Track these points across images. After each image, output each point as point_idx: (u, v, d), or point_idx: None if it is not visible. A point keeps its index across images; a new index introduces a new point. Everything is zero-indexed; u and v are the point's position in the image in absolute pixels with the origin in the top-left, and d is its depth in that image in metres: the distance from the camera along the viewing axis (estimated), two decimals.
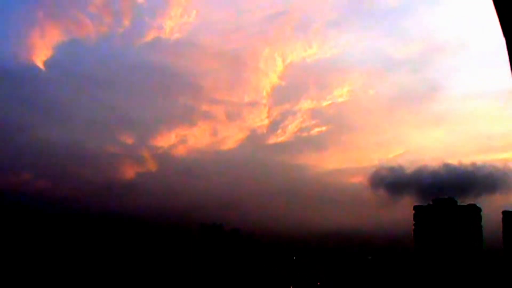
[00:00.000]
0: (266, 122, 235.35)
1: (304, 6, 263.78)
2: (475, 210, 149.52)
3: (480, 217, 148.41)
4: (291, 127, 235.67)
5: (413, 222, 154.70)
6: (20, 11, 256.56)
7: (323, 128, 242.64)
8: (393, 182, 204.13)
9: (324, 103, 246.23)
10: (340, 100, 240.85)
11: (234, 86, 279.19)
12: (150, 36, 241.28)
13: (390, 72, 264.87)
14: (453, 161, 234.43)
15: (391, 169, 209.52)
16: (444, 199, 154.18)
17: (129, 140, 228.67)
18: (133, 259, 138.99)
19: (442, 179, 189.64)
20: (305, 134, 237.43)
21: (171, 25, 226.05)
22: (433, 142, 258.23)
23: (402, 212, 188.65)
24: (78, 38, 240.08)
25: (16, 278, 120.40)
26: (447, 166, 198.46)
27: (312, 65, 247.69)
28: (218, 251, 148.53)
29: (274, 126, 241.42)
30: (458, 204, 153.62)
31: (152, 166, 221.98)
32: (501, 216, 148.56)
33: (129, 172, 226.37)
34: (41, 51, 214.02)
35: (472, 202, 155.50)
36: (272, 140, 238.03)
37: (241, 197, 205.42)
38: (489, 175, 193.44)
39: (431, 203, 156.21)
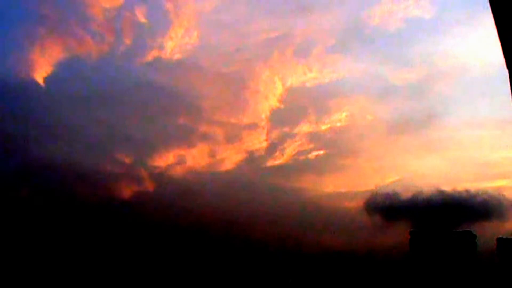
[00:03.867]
0: (264, 144, 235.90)
1: (305, 30, 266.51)
2: (470, 237, 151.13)
3: (475, 244, 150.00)
4: (289, 150, 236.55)
5: (408, 247, 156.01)
6: (21, 27, 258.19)
7: (321, 152, 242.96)
8: (388, 208, 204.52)
9: (323, 127, 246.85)
10: (338, 124, 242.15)
11: (233, 108, 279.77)
12: (150, 56, 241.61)
13: (389, 98, 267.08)
14: (447, 188, 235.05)
15: (387, 195, 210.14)
16: (439, 225, 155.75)
17: (127, 159, 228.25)
18: (130, 278, 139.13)
19: (436, 206, 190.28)
20: (303, 157, 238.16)
21: (172, 45, 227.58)
22: (429, 169, 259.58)
23: (397, 237, 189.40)
24: (79, 56, 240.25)
25: None
26: (441, 193, 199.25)
27: (312, 89, 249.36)
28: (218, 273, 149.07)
29: (272, 148, 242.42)
30: (453, 230, 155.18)
31: (149, 185, 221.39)
32: (495, 243, 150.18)
33: (126, 191, 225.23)
34: (41, 67, 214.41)
35: (467, 229, 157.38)
36: (270, 162, 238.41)
37: (238, 218, 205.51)
38: (483, 202, 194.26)
39: (426, 229, 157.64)
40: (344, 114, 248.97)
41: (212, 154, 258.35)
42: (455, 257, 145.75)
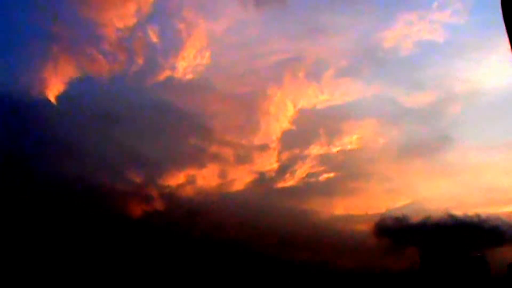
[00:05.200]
0: (275, 166, 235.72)
1: (317, 53, 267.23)
2: (482, 262, 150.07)
3: (487, 270, 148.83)
4: (300, 172, 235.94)
5: (418, 272, 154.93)
6: (34, 46, 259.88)
7: (332, 175, 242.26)
8: (398, 231, 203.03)
9: (334, 150, 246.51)
10: (349, 147, 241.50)
11: (244, 129, 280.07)
12: (162, 75, 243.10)
13: (401, 121, 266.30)
14: (458, 212, 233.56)
15: (397, 218, 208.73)
16: (449, 250, 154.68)
17: (137, 179, 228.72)
18: None
19: (447, 230, 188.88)
20: (313, 179, 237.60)
21: (184, 65, 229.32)
22: (440, 193, 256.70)
23: (407, 262, 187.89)
24: (91, 75, 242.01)
25: None
26: (452, 217, 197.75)
27: (323, 111, 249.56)
28: None
29: (283, 170, 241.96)
30: (464, 255, 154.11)
31: (159, 205, 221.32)
32: (506, 269, 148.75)
33: (136, 210, 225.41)
34: (53, 86, 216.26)
35: (478, 254, 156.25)
36: (281, 184, 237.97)
37: (248, 239, 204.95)
38: (495, 227, 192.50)
39: (437, 253, 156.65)
40: (355, 136, 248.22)
41: (222, 175, 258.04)
42: (467, 282, 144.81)
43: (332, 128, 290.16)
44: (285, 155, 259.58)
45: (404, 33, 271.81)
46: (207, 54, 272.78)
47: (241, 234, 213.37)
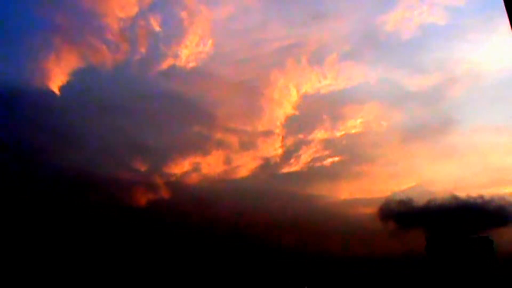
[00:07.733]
0: (279, 151, 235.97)
1: (319, 38, 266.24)
2: (488, 243, 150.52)
3: (492, 250, 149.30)
4: (305, 157, 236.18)
5: (425, 254, 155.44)
6: (36, 36, 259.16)
7: (336, 159, 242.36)
8: (403, 214, 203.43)
9: (338, 134, 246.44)
10: (353, 131, 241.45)
11: (248, 116, 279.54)
12: (165, 64, 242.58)
13: (404, 104, 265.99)
14: (462, 194, 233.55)
15: (402, 201, 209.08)
16: (454, 231, 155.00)
17: (142, 167, 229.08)
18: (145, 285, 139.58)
19: (451, 212, 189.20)
20: (318, 164, 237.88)
21: (187, 53, 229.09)
22: (444, 175, 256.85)
23: (412, 244, 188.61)
24: (94, 65, 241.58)
25: None
26: (456, 198, 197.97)
27: (326, 96, 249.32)
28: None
29: (287, 155, 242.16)
30: (470, 236, 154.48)
31: (165, 193, 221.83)
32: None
33: (142, 198, 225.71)
34: (57, 76, 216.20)
35: (483, 235, 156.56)
36: (286, 169, 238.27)
37: (253, 225, 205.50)
38: (499, 208, 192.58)
39: (442, 235, 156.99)
40: (359, 120, 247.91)
41: (227, 162, 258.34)
42: (473, 263, 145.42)
43: (336, 112, 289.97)
44: (289, 141, 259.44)
45: (405, 16, 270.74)
46: (210, 41, 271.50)
47: (246, 219, 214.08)
